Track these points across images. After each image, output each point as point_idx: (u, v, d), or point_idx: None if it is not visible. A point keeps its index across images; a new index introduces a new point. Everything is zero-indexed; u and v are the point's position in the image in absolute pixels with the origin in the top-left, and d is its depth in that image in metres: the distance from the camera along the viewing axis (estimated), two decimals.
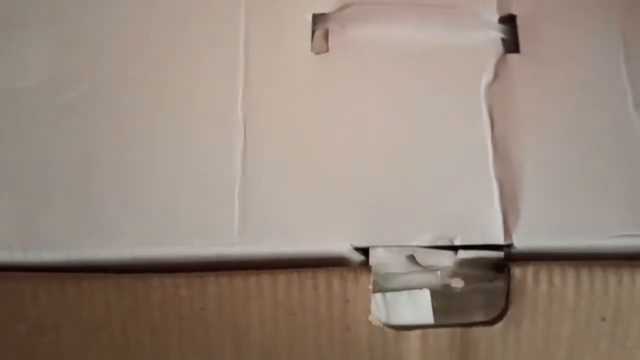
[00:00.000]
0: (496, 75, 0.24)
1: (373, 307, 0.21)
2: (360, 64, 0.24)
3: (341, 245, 0.21)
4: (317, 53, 0.24)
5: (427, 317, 0.21)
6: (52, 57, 0.23)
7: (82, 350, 0.20)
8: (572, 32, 0.24)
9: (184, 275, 0.20)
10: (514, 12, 0.25)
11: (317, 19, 0.24)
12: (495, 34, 0.24)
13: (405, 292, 0.21)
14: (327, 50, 0.24)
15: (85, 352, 0.20)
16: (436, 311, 0.21)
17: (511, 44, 0.24)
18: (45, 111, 0.22)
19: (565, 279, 0.20)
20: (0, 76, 0.23)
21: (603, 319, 0.20)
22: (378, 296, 0.21)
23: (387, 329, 0.20)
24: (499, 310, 0.21)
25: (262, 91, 0.23)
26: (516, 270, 0.20)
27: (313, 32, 0.24)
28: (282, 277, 0.20)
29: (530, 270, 0.20)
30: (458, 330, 0.20)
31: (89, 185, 0.22)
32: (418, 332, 0.20)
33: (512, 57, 0.24)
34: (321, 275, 0.20)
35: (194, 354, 0.20)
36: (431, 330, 0.20)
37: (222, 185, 0.22)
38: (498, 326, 0.21)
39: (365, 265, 0.21)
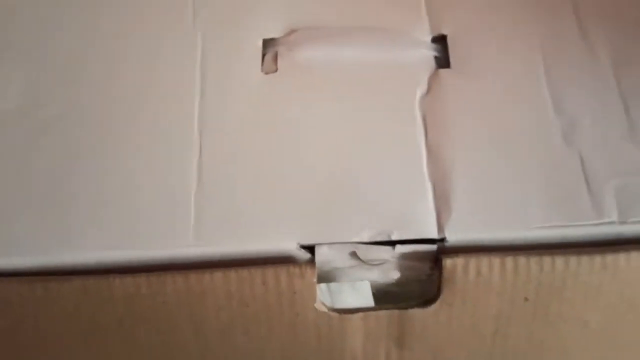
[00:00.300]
0: (429, 88, 0.26)
1: (319, 295, 0.22)
2: (307, 82, 0.26)
3: (289, 244, 0.23)
4: (267, 73, 0.26)
5: (368, 302, 0.23)
6: (28, 81, 0.25)
7: (57, 338, 0.21)
8: (496, 48, 0.27)
9: (144, 275, 0.22)
10: (444, 32, 0.27)
11: (267, 43, 0.27)
12: (429, 52, 0.27)
13: (348, 283, 0.23)
14: (276, 70, 0.26)
15: (60, 340, 0.22)
16: (376, 300, 0.23)
17: (443, 61, 0.27)
18: (20, 129, 0.25)
19: (492, 267, 0.22)
20: None
21: (526, 299, 0.22)
22: (323, 286, 0.23)
23: (331, 312, 0.22)
24: (433, 295, 0.23)
25: (217, 107, 0.25)
26: (447, 262, 0.22)
27: (263, 55, 0.27)
28: (233, 274, 0.22)
29: (460, 262, 0.22)
30: (396, 312, 0.22)
31: (56, 196, 0.24)
32: (360, 314, 0.22)
33: (443, 72, 0.27)
34: (269, 271, 0.22)
35: (159, 340, 0.22)
36: (372, 313, 0.22)
37: (179, 192, 0.24)
38: (431, 308, 0.23)
39: (311, 262, 0.23)
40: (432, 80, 0.26)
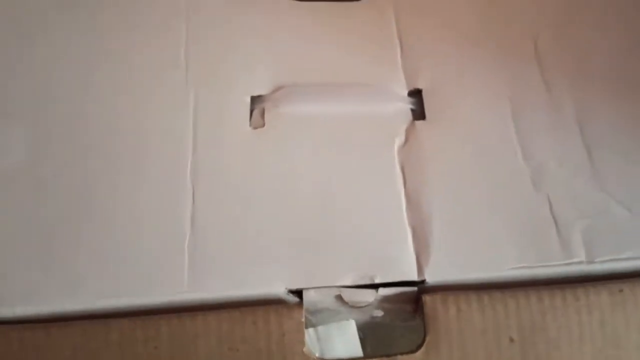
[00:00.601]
0: (407, 139, 0.28)
1: (307, 341, 0.24)
2: (292, 135, 0.28)
3: (278, 288, 0.24)
4: (255, 128, 0.28)
5: (356, 350, 0.25)
6: (29, 138, 0.27)
7: None
8: (467, 100, 0.29)
9: (139, 318, 0.23)
10: (420, 86, 0.30)
11: (255, 99, 0.29)
12: (405, 105, 0.29)
13: (334, 325, 0.24)
14: (264, 125, 0.28)
15: None
16: (364, 343, 0.25)
17: (419, 113, 0.29)
18: (22, 184, 0.26)
19: (470, 303, 0.24)
20: None
21: (511, 340, 0.24)
22: (311, 331, 0.24)
23: None
24: (420, 339, 0.24)
25: (208, 159, 0.27)
26: (427, 299, 0.24)
27: (251, 110, 0.29)
28: (225, 315, 0.23)
29: (439, 298, 0.24)
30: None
31: (57, 246, 0.25)
32: None
33: (419, 123, 0.29)
34: (260, 311, 0.23)
35: None
36: None
37: (173, 240, 0.25)
38: (419, 353, 0.24)
39: (300, 304, 0.24)
40: (409, 131, 0.28)
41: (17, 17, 0.30)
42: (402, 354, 0.24)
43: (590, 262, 0.25)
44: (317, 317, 0.25)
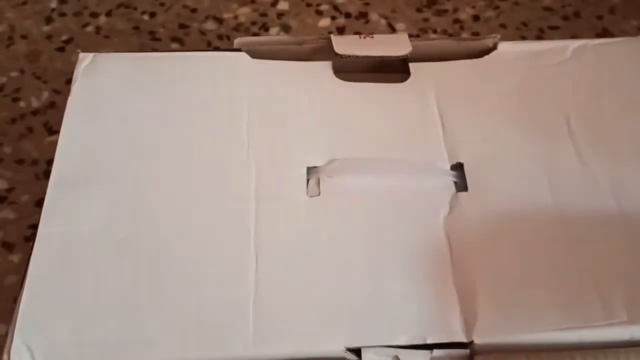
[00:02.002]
0: (451, 209, 0.30)
1: None
2: (345, 204, 0.31)
3: (337, 347, 0.26)
4: (311, 196, 0.31)
5: None
6: (107, 205, 0.30)
7: None
8: (506, 173, 0.32)
9: None
10: (461, 161, 0.32)
11: (311, 170, 0.32)
12: (449, 178, 0.32)
13: None
14: (319, 194, 0.31)
15: None
16: None
17: (461, 185, 0.31)
18: (100, 246, 0.28)
19: None
20: (64, 220, 0.29)
21: None
22: None
23: None
24: None
25: (270, 225, 0.29)
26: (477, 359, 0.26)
27: (308, 180, 0.31)
28: None
29: (491, 359, 0.26)
30: None
31: (133, 307, 0.27)
32: None
33: (462, 194, 0.31)
34: None
35: None
36: None
37: (239, 302, 0.27)
38: None
39: None
40: (453, 202, 0.31)
41: (96, 97, 0.33)
42: None
43: (633, 322, 0.27)
44: None
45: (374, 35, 0.37)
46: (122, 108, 0.33)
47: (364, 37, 0.37)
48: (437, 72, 0.36)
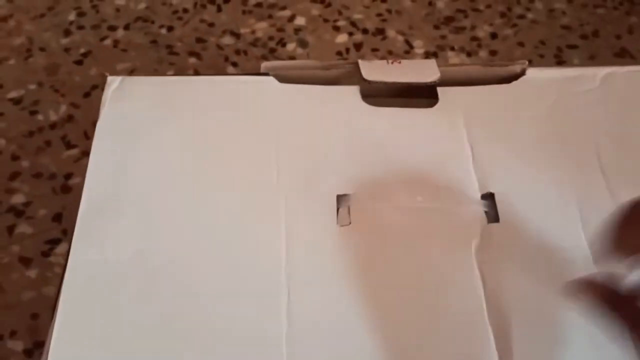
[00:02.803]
0: (483, 240, 0.30)
1: None
2: (376, 233, 0.30)
3: None
4: (342, 225, 0.30)
5: None
6: (134, 238, 0.29)
7: None
8: (538, 205, 0.31)
9: None
10: (492, 190, 0.32)
11: (340, 199, 0.31)
12: (480, 208, 0.31)
13: None
14: (350, 223, 0.31)
15: None
16: None
17: (492, 216, 0.31)
18: (133, 277, 0.28)
19: None
20: (95, 249, 0.29)
21: None
22: None
23: None
24: None
25: (301, 257, 0.29)
26: None
27: (337, 209, 0.31)
28: None
29: None
30: None
31: (166, 341, 0.27)
32: None
33: (494, 226, 0.31)
34: None
35: None
36: None
37: (271, 337, 0.27)
38: None
39: None
40: (485, 233, 0.30)
41: (125, 122, 0.33)
42: None
43: None
44: None
45: (402, 61, 0.37)
46: (152, 133, 0.33)
47: (392, 62, 0.37)
48: (465, 97, 0.36)
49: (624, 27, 0.60)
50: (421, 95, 0.36)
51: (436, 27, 0.60)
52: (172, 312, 0.27)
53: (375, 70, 0.36)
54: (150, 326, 0.27)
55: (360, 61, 0.36)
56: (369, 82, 0.35)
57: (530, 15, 0.61)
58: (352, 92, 0.36)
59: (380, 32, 0.59)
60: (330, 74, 0.37)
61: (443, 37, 0.59)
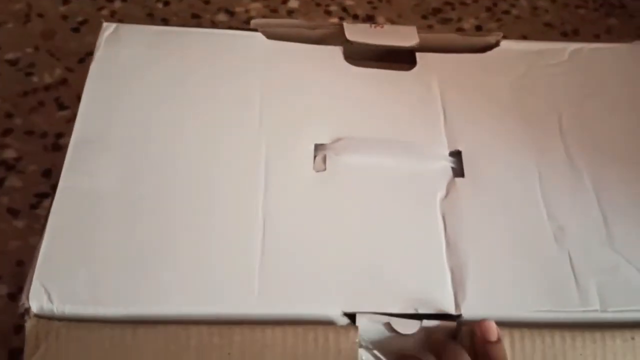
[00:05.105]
0: (447, 193, 0.32)
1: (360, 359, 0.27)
2: (349, 180, 0.32)
3: (334, 311, 0.28)
4: (317, 171, 0.33)
5: None
6: (125, 169, 0.31)
7: None
8: (501, 163, 0.34)
9: (216, 326, 0.27)
10: (459, 148, 0.34)
11: (318, 147, 0.33)
12: (447, 164, 0.33)
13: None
14: (325, 169, 0.33)
15: None
16: None
17: (458, 171, 0.33)
18: (118, 204, 0.30)
19: (502, 337, 0.27)
20: (84, 177, 0.31)
21: None
22: (362, 351, 0.28)
23: None
24: None
25: (277, 196, 0.31)
26: (464, 329, 0.28)
27: (315, 156, 0.33)
28: (290, 330, 0.27)
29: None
30: None
31: (146, 259, 0.29)
32: None
33: (459, 180, 0.33)
34: (320, 330, 0.27)
35: None
36: None
37: (246, 264, 0.29)
38: None
39: (354, 325, 0.28)
40: (450, 186, 0.33)
41: (117, 65, 0.35)
42: None
43: (604, 310, 0.29)
44: (368, 342, 0.28)
45: (384, 26, 0.39)
46: (142, 76, 0.35)
47: (375, 27, 0.39)
48: (441, 63, 0.38)
49: (603, 27, 0.62)
50: (401, 59, 0.38)
51: (424, 17, 0.62)
52: (153, 237, 0.29)
53: (358, 33, 0.38)
54: (132, 249, 0.29)
55: (344, 23, 0.38)
56: (352, 42, 0.37)
57: (514, 12, 0.63)
58: (335, 52, 0.38)
59: (370, 18, 0.61)
60: (315, 34, 0.38)
61: (430, 26, 0.61)
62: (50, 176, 0.48)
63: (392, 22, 0.60)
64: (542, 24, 0.62)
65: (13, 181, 0.48)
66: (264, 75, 0.36)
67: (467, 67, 0.38)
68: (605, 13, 0.63)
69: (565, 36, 0.61)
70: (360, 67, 0.37)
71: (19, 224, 0.46)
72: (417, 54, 0.38)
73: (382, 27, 0.39)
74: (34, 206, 0.47)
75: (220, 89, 0.35)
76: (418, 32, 0.38)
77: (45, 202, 0.47)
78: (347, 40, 0.38)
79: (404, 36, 0.38)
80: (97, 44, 0.36)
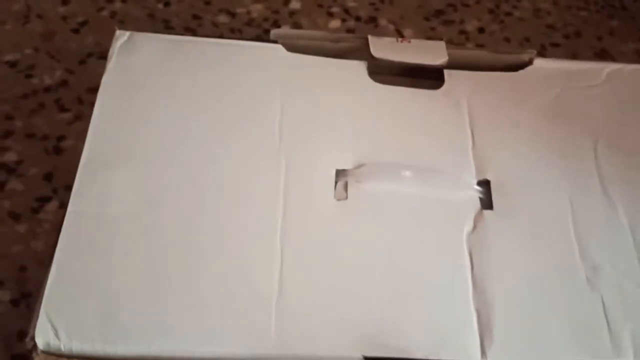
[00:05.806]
0: (475, 226, 0.31)
1: None
2: (371, 210, 0.31)
3: (355, 353, 0.27)
4: (338, 200, 0.31)
5: None
6: (133, 191, 0.30)
7: None
8: (531, 194, 0.32)
9: None
10: (488, 177, 0.32)
11: (339, 173, 0.32)
12: (474, 194, 0.32)
13: None
14: (346, 197, 0.31)
15: None
16: None
17: (486, 202, 0.32)
18: (127, 230, 0.29)
19: None
20: (94, 201, 0.29)
21: None
22: None
23: None
24: None
25: (296, 226, 0.30)
26: None
27: (335, 183, 0.31)
28: None
29: None
30: None
31: (158, 293, 0.27)
32: None
33: (487, 212, 0.31)
34: None
35: None
36: None
37: (263, 300, 0.27)
38: None
39: None
40: (477, 219, 0.31)
41: (131, 76, 0.33)
42: None
43: None
44: None
45: (411, 41, 0.37)
46: (156, 90, 0.33)
47: (402, 41, 0.37)
48: (471, 82, 0.36)
49: (606, 29, 0.61)
50: (428, 76, 0.36)
51: (426, 19, 0.60)
52: (165, 268, 0.28)
53: (383, 48, 0.36)
54: (144, 281, 0.27)
55: (370, 37, 0.36)
56: (377, 59, 0.36)
57: (517, 13, 0.62)
58: (359, 68, 0.36)
59: (372, 20, 0.59)
60: (337, 47, 0.37)
61: (433, 28, 0.59)
62: (52, 179, 0.47)
63: (395, 24, 0.59)
64: (545, 26, 0.60)
65: (14, 184, 0.47)
66: (284, 91, 0.34)
67: (498, 87, 0.36)
68: (607, 15, 0.61)
69: (568, 38, 0.59)
70: (385, 83, 0.35)
71: (21, 228, 0.45)
72: (446, 72, 0.36)
73: (408, 41, 0.37)
74: (35, 210, 0.46)
75: (238, 106, 0.33)
76: (447, 48, 0.36)
77: (47, 206, 0.46)
78: (372, 56, 0.36)
79: (432, 52, 0.36)
80: (110, 53, 0.34)
